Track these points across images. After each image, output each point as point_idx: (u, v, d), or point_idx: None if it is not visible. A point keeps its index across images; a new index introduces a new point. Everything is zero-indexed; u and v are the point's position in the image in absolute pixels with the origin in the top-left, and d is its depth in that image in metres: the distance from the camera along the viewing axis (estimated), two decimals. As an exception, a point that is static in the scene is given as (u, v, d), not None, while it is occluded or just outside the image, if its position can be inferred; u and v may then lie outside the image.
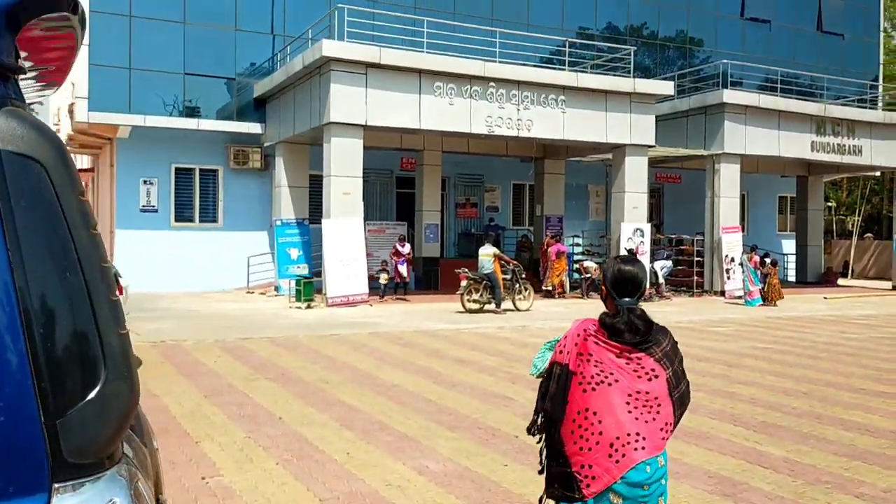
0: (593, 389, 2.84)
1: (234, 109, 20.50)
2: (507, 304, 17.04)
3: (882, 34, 31.13)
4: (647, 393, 2.85)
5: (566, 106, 19.03)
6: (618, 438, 2.80)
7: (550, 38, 22.36)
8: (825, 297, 22.43)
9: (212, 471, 5.56)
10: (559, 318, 15.89)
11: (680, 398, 2.96)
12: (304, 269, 19.17)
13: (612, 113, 19.65)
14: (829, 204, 37.27)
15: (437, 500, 5.02)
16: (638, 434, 2.81)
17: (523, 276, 17.79)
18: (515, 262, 18.02)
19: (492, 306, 16.66)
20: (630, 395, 2.83)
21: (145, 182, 20.07)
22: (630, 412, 2.82)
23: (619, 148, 20.23)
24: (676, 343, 3.02)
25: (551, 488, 2.97)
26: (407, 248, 18.89)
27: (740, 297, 20.80)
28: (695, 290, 22.21)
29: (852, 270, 34.48)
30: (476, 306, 16.53)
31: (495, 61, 18.59)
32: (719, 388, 8.74)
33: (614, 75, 20.67)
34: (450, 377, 9.10)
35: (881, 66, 30.51)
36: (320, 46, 16.21)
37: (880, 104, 28.00)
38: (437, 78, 17.52)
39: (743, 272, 20.29)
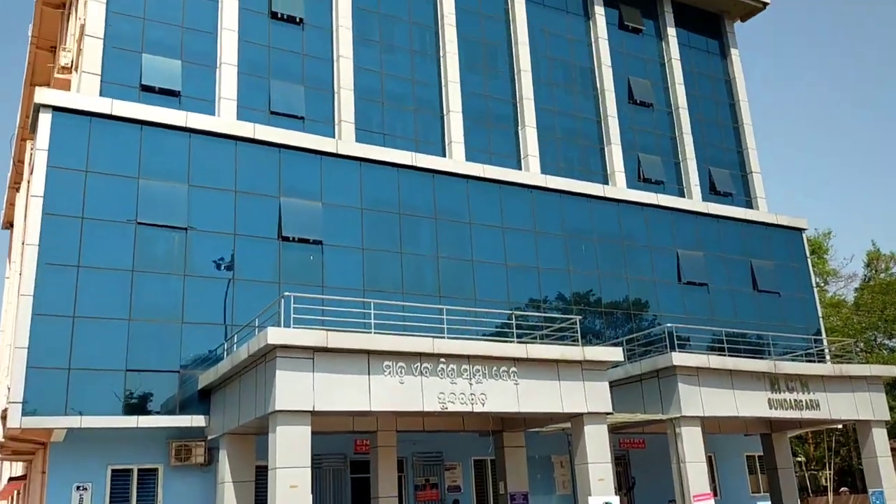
0: None
1: (178, 402, 19.74)
2: None
3: (815, 289, 32.62)
4: None
5: (518, 377, 18.79)
6: None
7: (497, 312, 22.78)
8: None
9: None
10: None
11: None
12: (247, 576, 17.31)
13: (565, 382, 19.42)
14: (799, 459, 36.55)
15: None
16: None
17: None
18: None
19: None
20: None
21: (78, 488, 18.62)
22: None
23: (576, 417, 19.74)
24: None
25: None
26: None
27: (726, 572, 19.25)
28: (677, 567, 20.57)
29: (837, 529, 32.85)
30: None
31: (444, 337, 18.61)
32: None
33: (563, 344, 20.79)
34: None
35: (821, 320, 31.55)
36: (265, 334, 16.06)
37: (828, 357, 28.51)
38: (386, 357, 17.31)
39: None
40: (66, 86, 24.44)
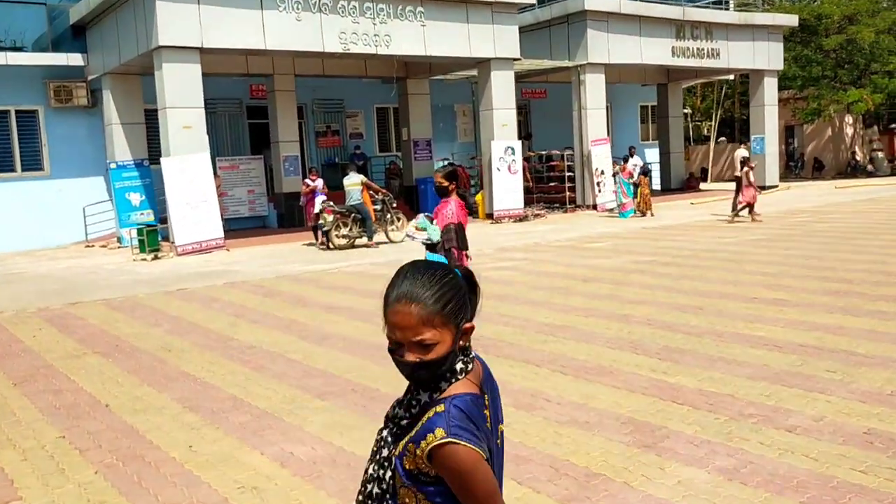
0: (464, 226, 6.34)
1: (50, 40, 17.86)
2: (379, 237, 15.96)
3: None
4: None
5: (426, 18, 17.70)
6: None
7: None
8: (691, 203, 22.71)
9: (6, 493, 4.25)
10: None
11: None
12: (149, 216, 17.25)
13: (474, 25, 18.51)
14: (685, 111, 38.07)
15: (303, 502, 3.96)
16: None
17: (394, 205, 16.71)
18: (385, 191, 16.88)
19: (363, 240, 15.54)
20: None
21: (-51, 129, 17.32)
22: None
23: (483, 63, 19.20)
24: None
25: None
26: (321, 183, 15.99)
27: (612, 210, 20.65)
28: (567, 206, 21.89)
29: (710, 174, 35.58)
30: (346, 242, 15.35)
31: (344, -30, 16.92)
32: (611, 312, 8.07)
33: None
34: (318, 329, 7.97)
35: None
36: (139, -42, 14.05)
37: (731, 5, 28.23)
38: (281, -11, 15.72)
39: (615, 184, 20.04)
40: None
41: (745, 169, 16.64)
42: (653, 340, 6.81)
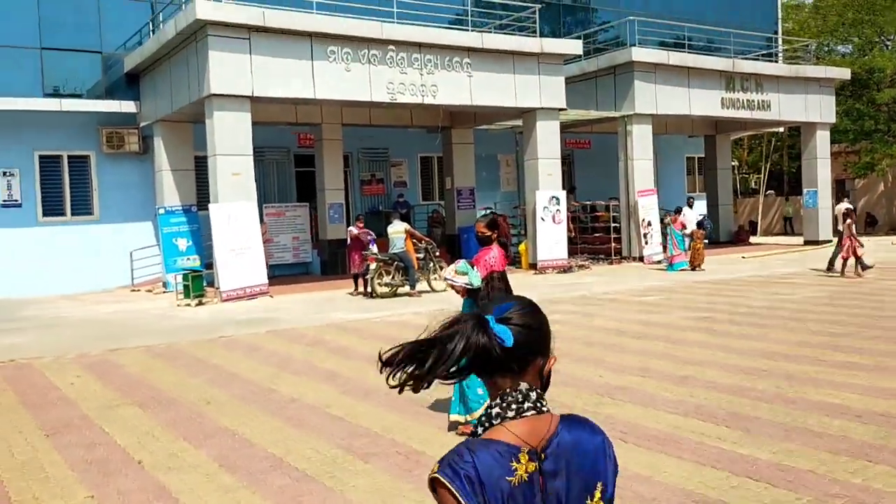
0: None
1: (104, 87, 18.23)
2: (422, 286, 15.70)
3: (777, -10, 31.03)
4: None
5: (472, 69, 17.69)
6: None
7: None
8: (743, 257, 22.08)
9: (30, 559, 3.98)
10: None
11: None
12: (195, 262, 17.25)
13: (520, 75, 18.44)
14: (732, 163, 37.52)
15: (346, 583, 3.61)
16: None
17: (437, 253, 16.48)
18: (428, 240, 16.69)
19: (406, 289, 15.29)
20: None
21: (5, 174, 17.63)
22: None
23: (529, 113, 19.08)
24: None
25: None
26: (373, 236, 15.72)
27: (659, 262, 20.14)
28: (613, 257, 21.43)
29: (759, 228, 34.81)
30: (388, 290, 15.12)
31: (394, 22, 17.05)
32: (670, 373, 7.63)
33: (520, 35, 19.46)
34: (361, 383, 7.66)
35: (780, 21, 30.43)
36: (194, 9, 14.27)
37: (780, 58, 27.85)
38: (331, 42, 15.86)
39: (667, 236, 19.52)
40: None
41: (848, 222, 16.00)
42: (718, 406, 6.36)
